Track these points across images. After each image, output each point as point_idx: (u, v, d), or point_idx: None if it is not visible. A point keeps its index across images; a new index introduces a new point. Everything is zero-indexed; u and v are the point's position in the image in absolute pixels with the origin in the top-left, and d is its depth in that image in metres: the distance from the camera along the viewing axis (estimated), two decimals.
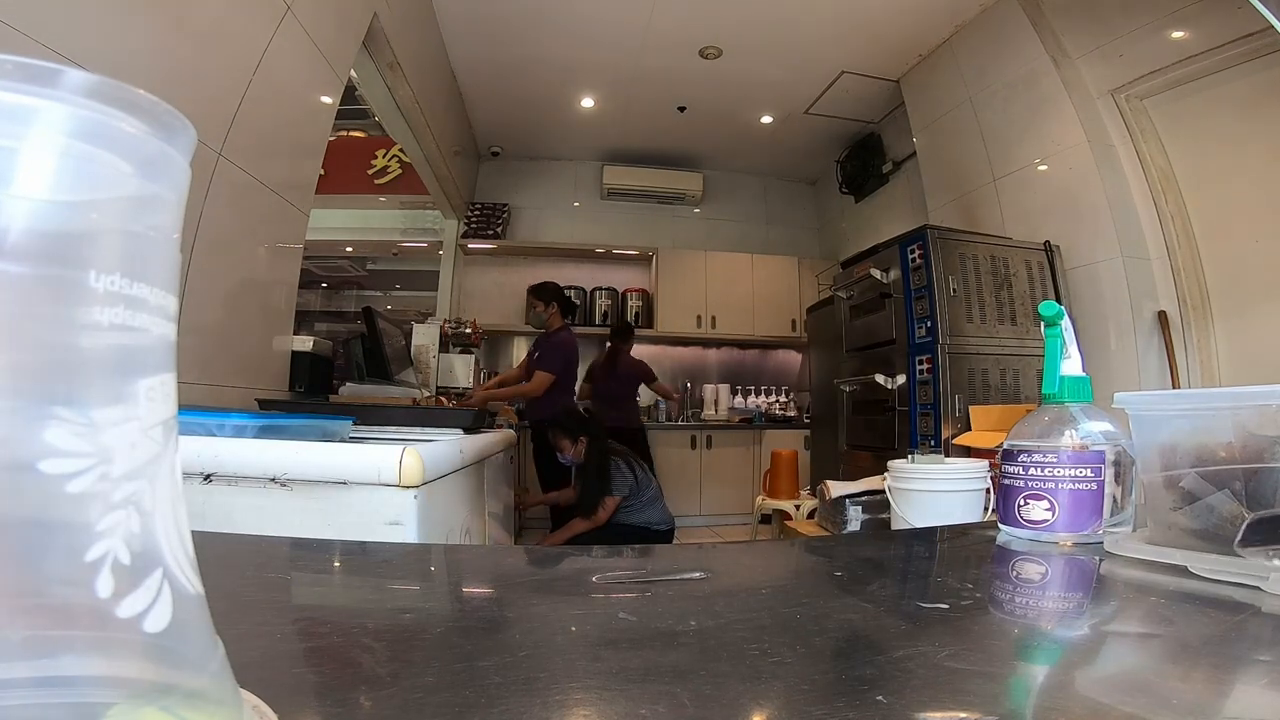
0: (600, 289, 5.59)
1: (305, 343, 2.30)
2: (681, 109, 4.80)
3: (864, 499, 1.59)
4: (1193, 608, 0.42)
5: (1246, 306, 2.71)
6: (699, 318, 5.55)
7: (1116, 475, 0.60)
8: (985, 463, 1.08)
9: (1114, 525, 0.60)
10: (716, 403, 5.52)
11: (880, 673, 0.32)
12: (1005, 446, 0.65)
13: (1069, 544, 0.59)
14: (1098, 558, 0.55)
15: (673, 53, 4.03)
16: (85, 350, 0.16)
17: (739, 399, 5.66)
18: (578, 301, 5.22)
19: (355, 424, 1.39)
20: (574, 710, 0.27)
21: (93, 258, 0.16)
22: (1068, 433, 0.62)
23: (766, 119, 4.97)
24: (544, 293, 3.61)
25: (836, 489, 1.65)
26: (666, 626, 0.38)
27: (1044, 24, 3.24)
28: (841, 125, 4.96)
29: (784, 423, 5.36)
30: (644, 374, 4.48)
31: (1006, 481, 0.64)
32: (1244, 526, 0.25)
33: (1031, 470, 0.62)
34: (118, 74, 0.17)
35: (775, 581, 0.55)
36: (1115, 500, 0.61)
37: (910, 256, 3.02)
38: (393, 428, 1.64)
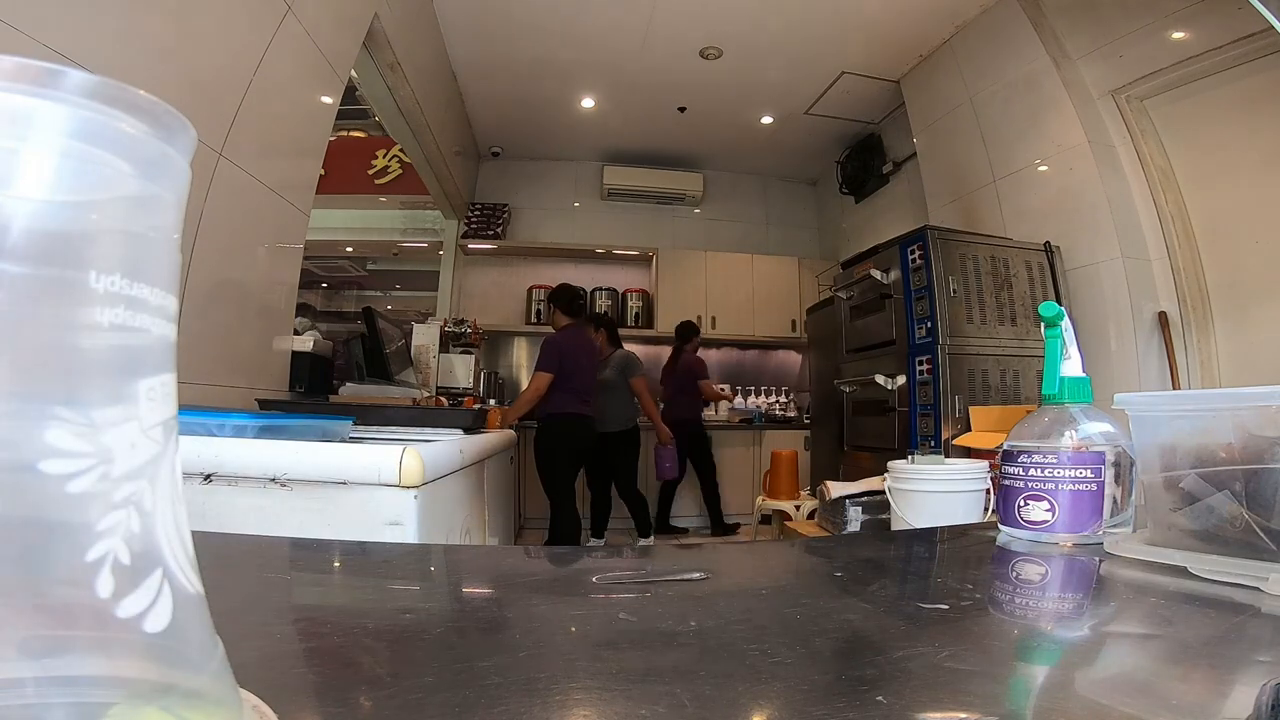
0: (600, 289, 5.59)
1: (305, 343, 2.30)
2: (681, 109, 4.80)
3: (864, 499, 1.59)
4: (1192, 608, 0.42)
5: (1246, 307, 2.71)
6: (699, 318, 5.55)
7: (1116, 476, 0.60)
8: (985, 463, 1.08)
9: (1114, 526, 0.60)
10: (716, 403, 5.52)
11: (880, 673, 0.32)
12: (1005, 447, 0.65)
13: (1069, 545, 0.59)
14: (1098, 558, 0.55)
15: (673, 53, 4.03)
16: (86, 351, 0.16)
17: (739, 399, 5.66)
18: (582, 300, 5.17)
19: (355, 424, 1.39)
20: (574, 710, 0.27)
21: (93, 258, 0.16)
22: (1068, 433, 0.62)
23: (766, 119, 4.97)
24: (552, 295, 3.67)
25: (836, 489, 1.65)
26: (667, 627, 0.38)
27: (1044, 24, 3.24)
28: (842, 125, 4.96)
29: (784, 423, 5.35)
30: (698, 370, 4.82)
31: (1006, 482, 0.64)
32: None
33: (1031, 471, 0.62)
34: (118, 74, 0.17)
35: (775, 582, 0.55)
36: (1115, 501, 0.61)
37: (910, 257, 3.02)
38: (393, 428, 1.64)
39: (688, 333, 4.80)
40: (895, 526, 1.12)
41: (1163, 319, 2.89)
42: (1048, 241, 3.15)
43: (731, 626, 0.38)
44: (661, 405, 4.73)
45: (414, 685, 0.29)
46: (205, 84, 1.69)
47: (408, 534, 0.98)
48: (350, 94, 2.95)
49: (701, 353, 5.83)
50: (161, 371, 0.19)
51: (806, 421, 5.11)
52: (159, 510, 0.18)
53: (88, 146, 0.16)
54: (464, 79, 4.35)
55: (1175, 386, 2.76)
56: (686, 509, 5.17)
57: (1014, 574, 0.56)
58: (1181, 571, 0.47)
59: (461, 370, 3.71)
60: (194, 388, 1.63)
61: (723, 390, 5.37)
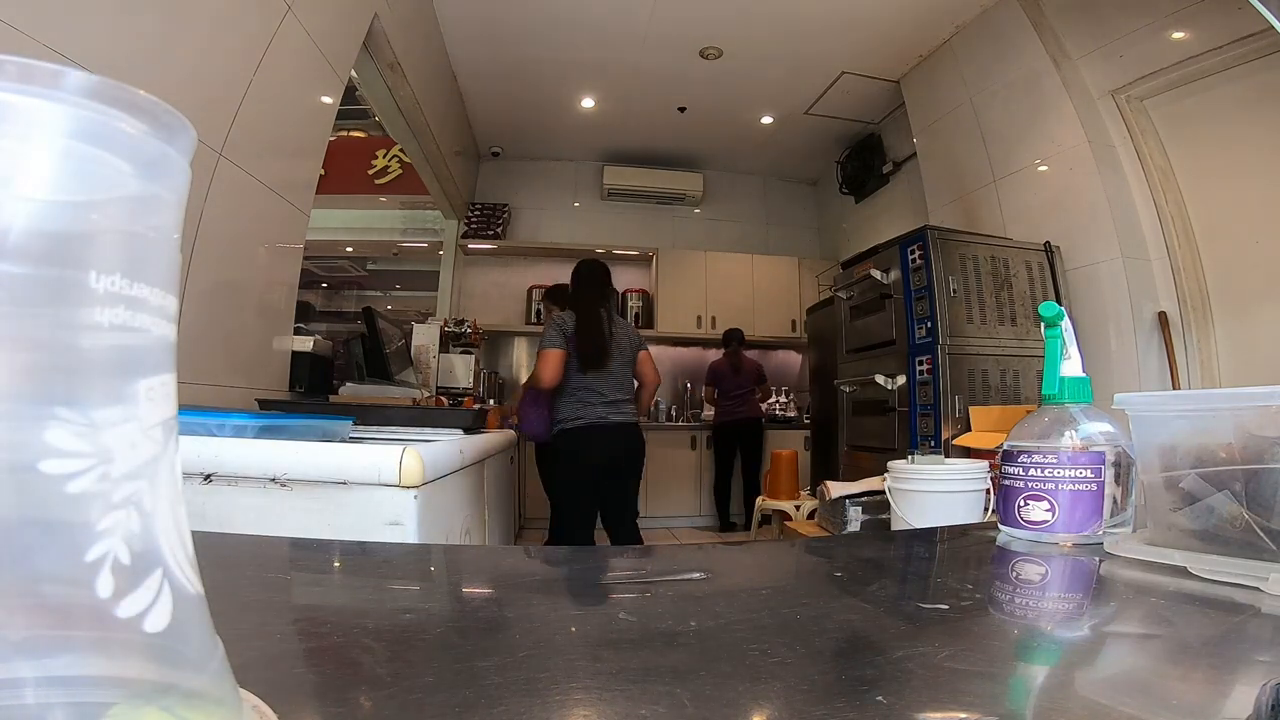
0: None
1: (305, 343, 2.30)
2: (681, 109, 4.80)
3: (864, 499, 1.59)
4: (1192, 608, 0.42)
5: (1246, 306, 2.71)
6: (699, 318, 5.55)
7: (1116, 476, 0.60)
8: (985, 463, 1.08)
9: (1114, 526, 0.60)
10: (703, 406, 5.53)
11: (880, 673, 0.32)
12: (1005, 447, 0.65)
13: (1069, 545, 0.59)
14: (1098, 558, 0.55)
15: (673, 53, 4.03)
16: (85, 351, 0.16)
17: None
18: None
19: (355, 424, 1.39)
20: (574, 710, 0.27)
21: (93, 258, 0.16)
22: (1068, 433, 0.62)
23: (766, 119, 4.97)
24: (553, 295, 3.28)
25: (836, 489, 1.65)
26: (667, 627, 0.38)
27: (1044, 24, 3.24)
28: (842, 125, 4.96)
29: (784, 423, 5.36)
30: (762, 372, 5.09)
31: (1006, 482, 0.64)
32: None
33: (1031, 471, 0.62)
34: (118, 74, 0.17)
35: (775, 582, 0.55)
36: (1115, 501, 0.61)
37: (910, 257, 3.02)
38: (393, 428, 1.64)
39: (742, 337, 5.01)
40: (895, 526, 1.12)
41: (1163, 319, 2.89)
42: (1048, 241, 3.15)
43: (731, 626, 0.38)
44: (723, 405, 4.94)
45: (414, 685, 0.29)
46: (205, 84, 1.68)
47: (408, 534, 0.98)
48: (350, 94, 2.95)
49: (702, 353, 5.85)
50: (161, 371, 0.19)
51: (806, 422, 5.11)
52: (159, 510, 0.18)
53: (88, 146, 0.16)
54: (464, 79, 4.35)
55: (1175, 386, 2.76)
56: (676, 508, 5.17)
57: (1014, 574, 0.56)
58: (1181, 571, 0.47)
59: (461, 370, 3.71)
60: (194, 388, 1.63)
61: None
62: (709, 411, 5.26)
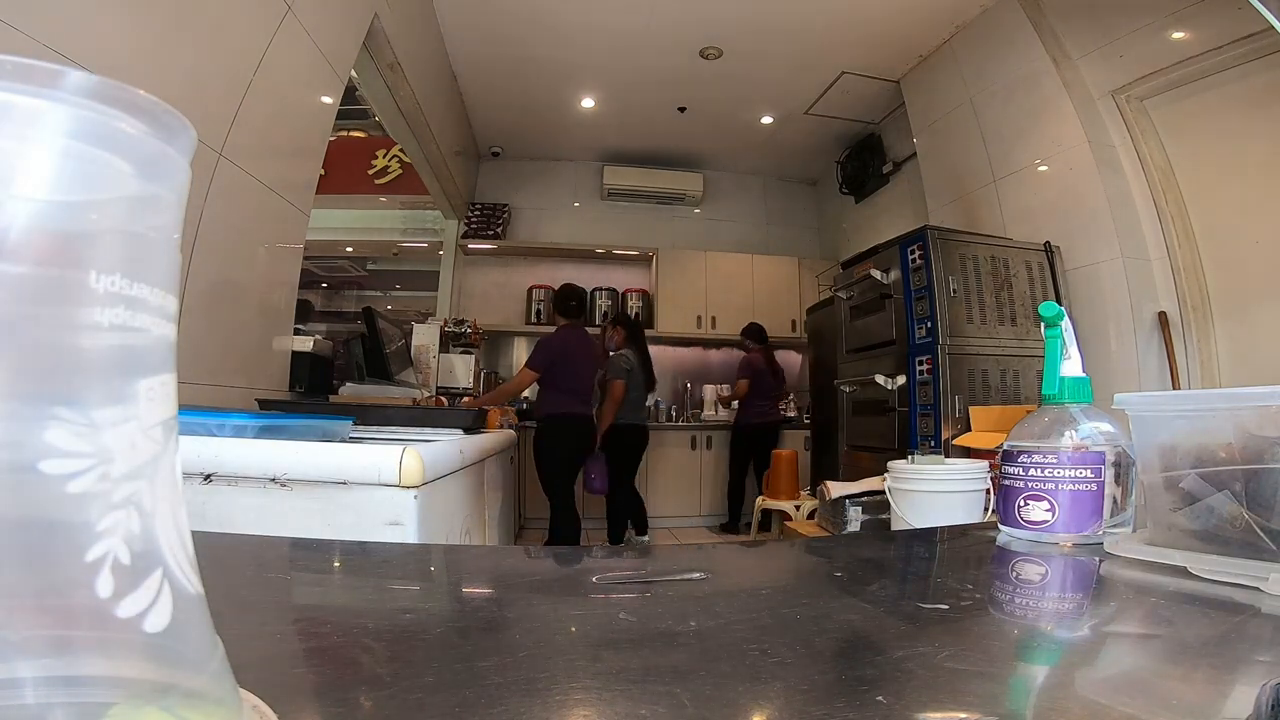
0: (600, 289, 5.58)
1: (305, 343, 2.30)
2: (681, 109, 4.79)
3: (864, 499, 1.59)
4: (1193, 609, 0.42)
5: (1246, 306, 2.71)
6: (699, 318, 5.55)
7: (1116, 476, 0.60)
8: (985, 463, 1.08)
9: (1114, 526, 0.60)
10: (717, 403, 5.52)
11: (880, 673, 0.32)
12: (1005, 447, 0.65)
13: (1069, 545, 0.59)
14: (1098, 558, 0.55)
15: (673, 53, 4.03)
16: (85, 351, 0.16)
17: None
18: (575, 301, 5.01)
19: (355, 424, 1.39)
20: (574, 710, 0.27)
21: (93, 258, 0.16)
22: (1068, 433, 0.62)
23: (766, 119, 4.97)
24: (562, 308, 3.65)
25: (836, 489, 1.65)
26: (666, 627, 0.38)
27: (1044, 25, 3.24)
28: (842, 125, 4.96)
29: (784, 423, 5.36)
30: (783, 374, 5.05)
31: (1006, 482, 0.64)
32: None
33: (1031, 471, 0.62)
34: (118, 74, 0.17)
35: (775, 582, 0.55)
36: (1115, 501, 0.61)
37: (910, 257, 3.02)
38: (393, 428, 1.64)
39: (765, 335, 4.90)
40: (895, 526, 1.12)
41: (1163, 319, 2.89)
42: (1048, 241, 3.15)
43: (731, 626, 0.38)
44: (756, 405, 4.83)
45: (414, 685, 0.29)
46: (205, 84, 1.68)
47: (408, 534, 0.98)
48: (350, 94, 2.95)
49: (702, 353, 5.84)
50: (161, 371, 0.19)
51: (806, 422, 5.11)
52: (159, 510, 0.18)
53: (88, 146, 0.16)
54: (464, 79, 4.34)
55: (1175, 386, 2.76)
56: (676, 508, 5.17)
57: (1014, 574, 0.56)
58: (1181, 571, 0.47)
59: (461, 370, 3.71)
60: (194, 388, 1.63)
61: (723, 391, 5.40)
62: (714, 412, 5.23)
